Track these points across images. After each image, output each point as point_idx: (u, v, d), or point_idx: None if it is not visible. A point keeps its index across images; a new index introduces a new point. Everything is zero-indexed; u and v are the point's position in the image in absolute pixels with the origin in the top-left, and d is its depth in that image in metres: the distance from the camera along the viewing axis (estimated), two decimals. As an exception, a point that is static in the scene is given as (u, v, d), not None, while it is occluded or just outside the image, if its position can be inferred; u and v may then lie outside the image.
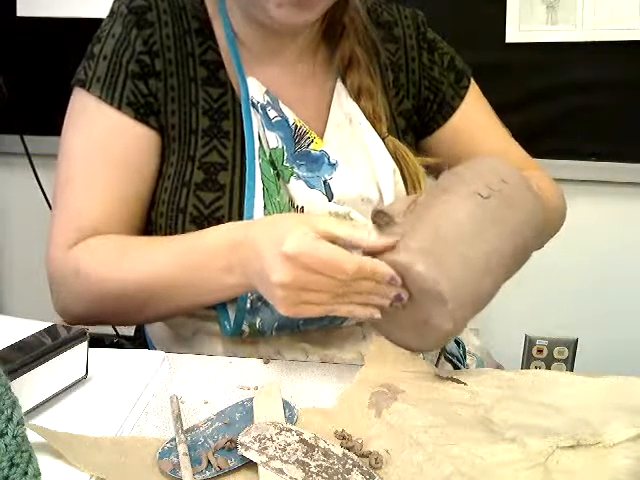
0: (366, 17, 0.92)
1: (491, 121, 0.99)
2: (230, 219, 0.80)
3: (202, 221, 0.80)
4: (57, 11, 1.59)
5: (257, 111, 0.83)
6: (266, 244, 0.68)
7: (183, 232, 0.81)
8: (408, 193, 0.87)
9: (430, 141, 0.98)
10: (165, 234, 0.83)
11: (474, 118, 0.98)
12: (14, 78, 1.62)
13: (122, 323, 0.86)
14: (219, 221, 0.80)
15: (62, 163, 0.84)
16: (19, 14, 1.60)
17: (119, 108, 0.82)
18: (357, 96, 0.89)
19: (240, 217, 0.80)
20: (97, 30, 0.87)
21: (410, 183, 0.88)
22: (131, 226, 0.84)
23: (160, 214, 0.83)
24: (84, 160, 0.83)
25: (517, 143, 1.01)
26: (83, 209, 0.82)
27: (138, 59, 0.83)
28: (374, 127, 0.88)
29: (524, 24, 1.51)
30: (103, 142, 0.83)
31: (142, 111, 0.83)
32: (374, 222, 0.70)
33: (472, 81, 0.99)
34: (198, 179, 0.82)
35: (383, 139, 0.88)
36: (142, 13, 0.85)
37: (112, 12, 0.87)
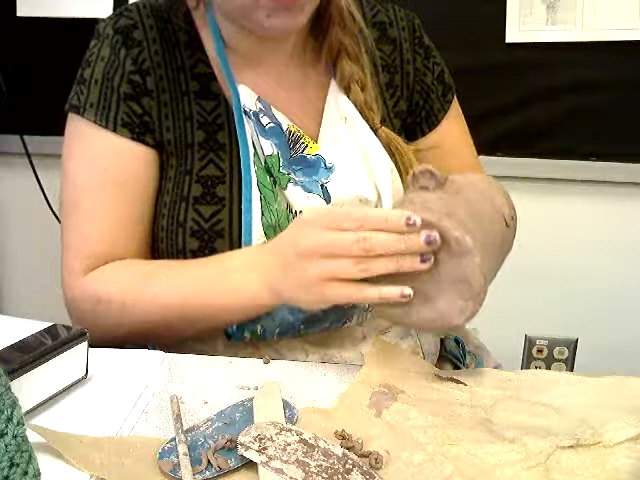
0: (354, 6, 0.90)
1: (468, 139, 1.00)
2: (230, 232, 0.80)
3: (202, 234, 0.80)
4: (57, 11, 1.59)
5: (249, 119, 0.82)
6: (284, 238, 0.71)
7: (184, 246, 0.81)
8: (403, 184, 0.87)
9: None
10: (166, 248, 0.83)
11: (455, 134, 0.99)
12: (14, 78, 1.62)
13: (146, 342, 0.86)
14: (219, 234, 0.80)
15: (66, 189, 0.84)
16: (19, 14, 1.60)
17: (115, 130, 0.82)
18: (347, 86, 0.88)
19: (240, 229, 0.80)
20: (86, 53, 0.86)
21: (404, 174, 0.88)
22: (141, 245, 0.84)
23: (161, 228, 0.84)
24: (87, 185, 0.83)
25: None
26: (92, 234, 0.82)
27: (129, 79, 0.83)
28: (366, 118, 0.88)
29: (524, 24, 1.51)
30: (103, 165, 0.82)
31: (138, 130, 0.83)
32: (415, 179, 0.70)
33: (455, 97, 0.99)
34: (196, 193, 0.82)
35: (376, 130, 0.88)
36: (128, 32, 0.84)
37: (98, 34, 0.86)
